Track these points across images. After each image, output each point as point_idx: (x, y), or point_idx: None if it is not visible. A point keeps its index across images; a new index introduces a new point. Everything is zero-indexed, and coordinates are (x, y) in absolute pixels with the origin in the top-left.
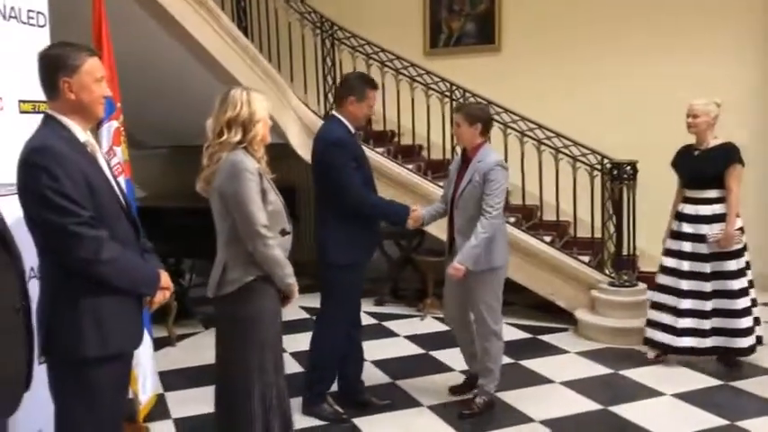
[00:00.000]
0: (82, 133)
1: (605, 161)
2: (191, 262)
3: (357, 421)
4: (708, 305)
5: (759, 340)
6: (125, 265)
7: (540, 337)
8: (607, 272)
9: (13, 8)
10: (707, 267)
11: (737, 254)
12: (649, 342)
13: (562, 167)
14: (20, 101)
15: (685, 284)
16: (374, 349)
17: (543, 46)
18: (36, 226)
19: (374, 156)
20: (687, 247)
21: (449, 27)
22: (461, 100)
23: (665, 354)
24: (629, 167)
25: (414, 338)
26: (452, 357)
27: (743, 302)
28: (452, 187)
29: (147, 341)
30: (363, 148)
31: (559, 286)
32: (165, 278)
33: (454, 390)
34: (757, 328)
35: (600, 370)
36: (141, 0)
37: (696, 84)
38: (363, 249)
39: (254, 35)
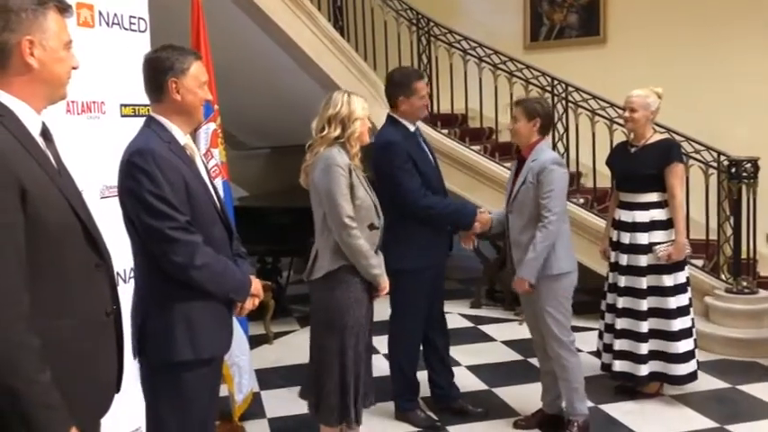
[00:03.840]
0: (182, 136)
1: (722, 158)
2: (288, 260)
3: (451, 429)
4: (644, 326)
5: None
6: (218, 271)
7: None
8: (723, 277)
9: (116, 15)
10: (643, 282)
11: (676, 267)
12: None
13: None
14: (121, 105)
15: (621, 302)
16: (469, 354)
17: (652, 37)
18: (134, 228)
19: (469, 154)
20: (624, 259)
21: (550, 19)
22: (563, 95)
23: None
24: (749, 165)
25: (511, 344)
26: None
27: (680, 323)
28: (509, 191)
29: (243, 340)
30: (459, 146)
31: None
32: (256, 285)
33: (520, 425)
34: (697, 351)
35: (715, 384)
36: (239, 1)
37: None
38: (426, 254)
39: (350, 34)
